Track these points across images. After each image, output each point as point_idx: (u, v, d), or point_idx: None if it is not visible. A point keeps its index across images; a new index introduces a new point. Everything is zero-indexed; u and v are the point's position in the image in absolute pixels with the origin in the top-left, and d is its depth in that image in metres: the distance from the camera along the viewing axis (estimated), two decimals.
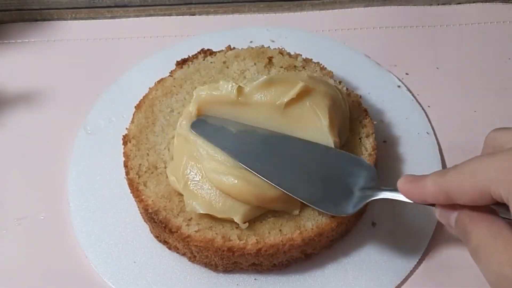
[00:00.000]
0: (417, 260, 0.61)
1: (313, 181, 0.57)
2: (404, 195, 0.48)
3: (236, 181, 0.55)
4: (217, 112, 0.62)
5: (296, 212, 0.58)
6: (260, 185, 0.56)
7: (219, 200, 0.56)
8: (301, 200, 0.56)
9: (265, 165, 0.57)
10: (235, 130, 0.60)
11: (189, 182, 0.57)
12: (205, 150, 0.58)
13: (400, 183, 0.48)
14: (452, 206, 0.45)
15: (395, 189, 0.50)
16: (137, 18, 0.87)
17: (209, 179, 0.56)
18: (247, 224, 0.56)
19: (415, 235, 0.62)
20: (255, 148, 0.59)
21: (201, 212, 0.56)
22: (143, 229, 0.64)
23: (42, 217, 0.66)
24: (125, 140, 0.65)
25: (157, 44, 0.83)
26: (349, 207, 0.55)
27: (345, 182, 0.56)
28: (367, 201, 0.54)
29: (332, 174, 0.57)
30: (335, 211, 0.55)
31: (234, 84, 0.61)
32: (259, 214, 0.57)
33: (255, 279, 0.60)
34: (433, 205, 0.47)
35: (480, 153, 0.47)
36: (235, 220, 0.56)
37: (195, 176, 0.57)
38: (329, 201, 0.56)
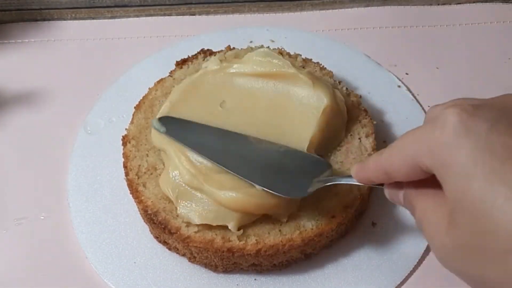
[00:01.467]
0: (417, 260, 0.61)
1: (271, 171, 0.57)
2: (356, 180, 0.48)
3: (234, 195, 0.55)
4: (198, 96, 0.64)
5: (284, 220, 0.58)
6: (258, 195, 0.55)
7: (212, 209, 0.56)
8: (258, 186, 0.56)
9: (228, 159, 0.58)
10: (198, 130, 0.61)
11: (180, 194, 0.57)
12: (181, 157, 0.58)
13: (352, 169, 0.48)
14: (399, 184, 0.44)
15: (348, 176, 0.51)
16: (137, 18, 0.87)
17: (205, 194, 0.56)
18: (241, 231, 0.56)
19: (415, 235, 0.62)
20: (218, 143, 0.60)
21: (197, 223, 0.56)
22: (143, 229, 0.64)
23: (42, 217, 0.66)
24: (125, 140, 0.65)
25: (157, 44, 0.83)
26: (303, 191, 0.54)
27: (302, 172, 0.57)
28: (321, 186, 0.54)
29: (287, 166, 0.58)
30: (287, 193, 0.55)
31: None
32: (253, 220, 0.57)
33: (255, 279, 0.60)
34: (382, 185, 0.47)
35: None
36: (229, 228, 0.56)
37: (183, 187, 0.57)
38: (283, 185, 0.55)
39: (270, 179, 0.56)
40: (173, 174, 0.58)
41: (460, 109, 0.37)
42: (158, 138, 0.61)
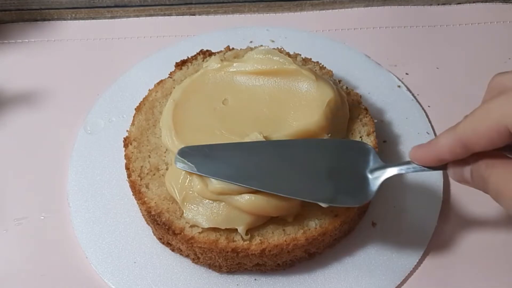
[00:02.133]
0: (417, 260, 0.61)
1: (321, 180, 0.55)
2: (418, 162, 0.48)
3: (253, 198, 0.54)
4: (200, 93, 0.64)
5: (290, 220, 0.58)
6: (276, 197, 0.55)
7: (222, 213, 0.55)
8: (317, 202, 0.54)
9: (267, 178, 0.55)
10: (221, 153, 0.57)
11: (187, 198, 0.57)
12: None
13: (411, 152, 0.49)
14: (464, 161, 0.46)
15: (407, 161, 0.50)
16: (137, 18, 0.87)
17: (221, 201, 0.55)
18: (249, 235, 0.56)
19: (415, 235, 0.62)
20: (249, 164, 0.56)
21: (205, 227, 0.56)
22: (143, 229, 0.64)
23: (42, 217, 0.66)
24: (126, 142, 0.65)
25: (157, 44, 0.83)
26: (368, 193, 0.53)
27: (352, 171, 0.54)
28: (383, 179, 0.53)
29: (336, 167, 0.55)
30: (356, 201, 0.54)
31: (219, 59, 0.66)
32: (263, 222, 0.57)
33: (255, 279, 0.60)
34: (444, 168, 0.47)
35: (483, 99, 0.48)
36: (239, 231, 0.56)
37: (193, 192, 0.57)
38: (345, 194, 0.54)
39: (327, 190, 0.54)
40: (184, 179, 0.57)
41: None
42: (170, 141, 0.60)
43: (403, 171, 0.51)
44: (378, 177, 0.53)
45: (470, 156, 0.45)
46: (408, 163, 0.50)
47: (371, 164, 0.54)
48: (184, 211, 0.57)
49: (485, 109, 0.42)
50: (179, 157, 0.57)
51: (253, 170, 0.55)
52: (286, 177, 0.55)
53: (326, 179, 0.54)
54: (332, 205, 0.55)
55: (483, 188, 0.45)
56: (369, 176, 0.54)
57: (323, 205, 0.54)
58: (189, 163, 0.56)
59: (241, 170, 0.55)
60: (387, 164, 0.54)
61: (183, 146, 0.59)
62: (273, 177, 0.55)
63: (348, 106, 0.65)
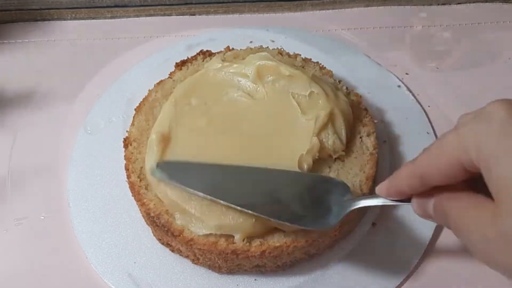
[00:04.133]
0: (417, 260, 0.61)
1: (289, 203, 0.55)
2: (383, 195, 0.48)
3: (241, 220, 0.55)
4: (200, 95, 0.64)
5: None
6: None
7: (214, 226, 0.56)
8: (282, 223, 0.54)
9: (240, 197, 0.55)
10: (197, 170, 0.58)
11: (171, 208, 0.58)
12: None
13: (377, 187, 0.48)
14: (428, 195, 0.44)
15: (373, 195, 0.50)
16: (137, 18, 0.87)
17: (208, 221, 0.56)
18: (244, 241, 0.56)
19: (415, 235, 0.62)
20: (226, 182, 0.57)
21: (200, 234, 0.56)
22: (143, 229, 0.64)
23: (42, 217, 0.66)
24: (126, 143, 0.64)
25: (157, 44, 0.83)
26: (330, 220, 0.53)
27: (322, 200, 0.55)
28: (347, 211, 0.53)
29: (307, 194, 0.56)
30: (318, 226, 0.54)
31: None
32: (263, 232, 0.57)
33: (255, 279, 0.60)
34: (408, 202, 0.47)
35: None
36: (235, 239, 0.56)
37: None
38: (310, 218, 0.54)
39: (292, 212, 0.54)
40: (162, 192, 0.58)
41: (503, 102, 0.39)
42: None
43: (370, 204, 0.51)
44: (344, 208, 0.53)
45: (434, 189, 0.44)
46: (376, 196, 0.49)
47: (340, 197, 0.55)
48: (175, 218, 0.57)
49: (439, 144, 0.42)
50: (156, 169, 0.58)
51: (224, 187, 0.56)
52: (255, 196, 0.55)
53: (294, 203, 0.55)
54: (295, 226, 0.55)
55: (444, 222, 0.43)
56: (336, 207, 0.54)
57: (286, 226, 0.55)
58: (164, 174, 0.57)
59: (213, 185, 0.56)
60: (357, 197, 0.54)
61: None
62: (242, 195, 0.55)
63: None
